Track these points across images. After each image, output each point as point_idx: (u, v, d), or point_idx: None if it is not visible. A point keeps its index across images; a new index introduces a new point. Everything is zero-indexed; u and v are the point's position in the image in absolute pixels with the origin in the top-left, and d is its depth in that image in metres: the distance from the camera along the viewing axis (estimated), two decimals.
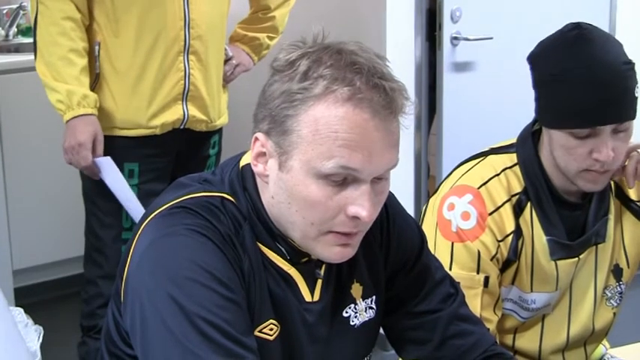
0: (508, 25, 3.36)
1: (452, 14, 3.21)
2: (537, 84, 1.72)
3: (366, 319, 1.43)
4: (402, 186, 3.17)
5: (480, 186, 1.74)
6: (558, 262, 1.76)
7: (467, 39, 3.24)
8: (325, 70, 1.22)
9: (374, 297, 1.45)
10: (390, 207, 1.47)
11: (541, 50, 1.72)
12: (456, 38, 3.24)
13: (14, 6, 4.10)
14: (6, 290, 1.83)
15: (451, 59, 3.26)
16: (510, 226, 1.73)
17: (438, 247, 1.72)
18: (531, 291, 1.78)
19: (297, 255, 1.34)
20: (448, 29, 3.22)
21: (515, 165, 1.77)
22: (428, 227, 1.76)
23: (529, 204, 1.75)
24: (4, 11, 4.14)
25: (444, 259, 1.67)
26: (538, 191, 1.74)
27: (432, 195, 1.84)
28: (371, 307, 1.44)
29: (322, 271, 1.38)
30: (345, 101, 1.21)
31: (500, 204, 1.73)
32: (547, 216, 1.74)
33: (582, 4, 3.56)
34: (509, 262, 1.75)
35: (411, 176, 3.32)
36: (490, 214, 1.72)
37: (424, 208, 1.85)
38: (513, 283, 1.77)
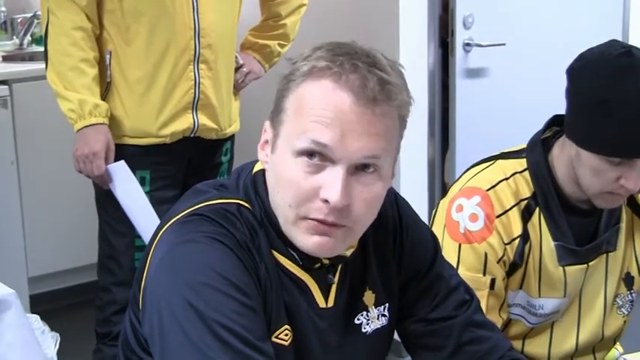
0: (520, 31, 3.36)
1: (464, 20, 3.21)
2: (576, 102, 1.69)
3: (379, 326, 1.43)
4: (416, 192, 3.16)
5: (489, 189, 1.74)
6: (566, 268, 1.76)
7: (479, 45, 3.25)
8: (320, 52, 1.25)
9: (387, 304, 1.45)
10: (404, 214, 1.47)
11: (585, 69, 1.67)
12: (468, 44, 3.25)
13: (28, 15, 4.12)
14: (21, 297, 1.84)
15: (464, 65, 3.26)
16: (517, 230, 1.73)
17: (446, 248, 1.71)
18: (539, 296, 1.78)
19: (309, 260, 1.35)
20: (461, 35, 3.23)
21: (525, 170, 1.77)
22: (437, 229, 1.76)
23: (538, 209, 1.75)
24: (19, 20, 4.16)
25: (451, 260, 1.67)
26: (547, 197, 1.74)
27: (442, 198, 1.85)
28: (384, 315, 1.44)
29: (335, 277, 1.38)
30: (326, 78, 1.23)
31: (508, 207, 1.73)
32: (555, 222, 1.74)
33: (595, 10, 3.55)
34: (515, 266, 1.75)
35: (425, 182, 3.31)
36: (498, 216, 1.72)
37: (434, 211, 1.85)
38: (521, 287, 1.77)
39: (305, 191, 1.24)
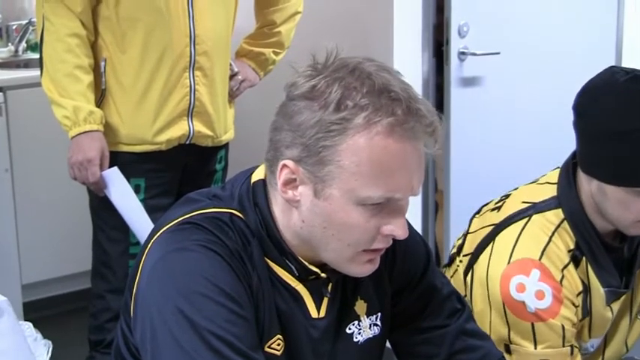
0: (515, 40, 3.37)
1: (459, 29, 3.22)
2: (590, 137, 1.63)
3: (371, 335, 1.44)
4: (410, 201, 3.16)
5: (541, 256, 1.66)
6: (612, 306, 1.73)
7: (474, 54, 3.25)
8: (362, 100, 1.21)
9: (379, 314, 1.45)
10: None
11: (594, 103, 1.62)
12: (463, 53, 3.25)
13: (23, 22, 4.12)
14: (15, 304, 1.83)
15: (458, 74, 3.26)
16: (578, 285, 1.67)
17: (515, 329, 1.64)
18: (589, 338, 1.74)
19: (305, 272, 1.35)
20: (455, 44, 3.23)
21: (563, 221, 1.69)
22: (482, 303, 1.68)
23: (584, 258, 1.68)
24: (14, 27, 4.16)
25: (525, 339, 1.63)
26: (591, 245, 1.68)
27: (468, 255, 1.75)
28: (376, 324, 1.45)
29: (329, 289, 1.38)
30: (389, 132, 1.21)
31: (562, 267, 1.66)
32: (602, 267, 1.68)
33: (589, 20, 3.57)
34: (580, 320, 1.70)
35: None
36: (561, 282, 1.65)
37: (467, 274, 1.74)
38: None
39: (369, 232, 1.27)
